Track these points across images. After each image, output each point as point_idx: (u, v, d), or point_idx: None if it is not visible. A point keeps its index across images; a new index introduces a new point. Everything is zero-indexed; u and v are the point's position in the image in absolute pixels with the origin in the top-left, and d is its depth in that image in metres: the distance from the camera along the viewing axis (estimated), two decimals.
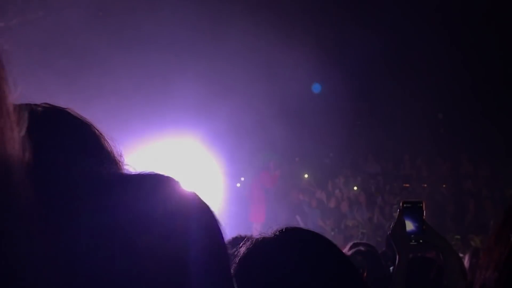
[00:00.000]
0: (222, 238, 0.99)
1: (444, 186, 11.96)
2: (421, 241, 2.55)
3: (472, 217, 10.86)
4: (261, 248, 1.34)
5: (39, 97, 1.20)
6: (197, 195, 1.00)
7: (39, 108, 1.16)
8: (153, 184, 0.97)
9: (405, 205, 2.56)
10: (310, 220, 11.91)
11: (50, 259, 0.94)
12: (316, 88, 12.82)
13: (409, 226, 2.54)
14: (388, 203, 11.82)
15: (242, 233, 4.27)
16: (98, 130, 1.19)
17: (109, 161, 1.16)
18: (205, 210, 0.99)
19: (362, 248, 3.63)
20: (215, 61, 10.58)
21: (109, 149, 1.17)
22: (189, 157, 10.22)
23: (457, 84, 12.24)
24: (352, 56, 11.94)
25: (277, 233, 1.37)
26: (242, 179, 12.96)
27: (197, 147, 10.48)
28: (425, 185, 12.08)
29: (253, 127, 11.26)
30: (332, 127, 12.49)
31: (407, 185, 12.25)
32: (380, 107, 12.99)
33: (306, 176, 13.70)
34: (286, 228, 1.39)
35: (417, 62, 12.28)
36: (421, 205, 2.55)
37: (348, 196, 12.62)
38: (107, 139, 1.18)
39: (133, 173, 1.03)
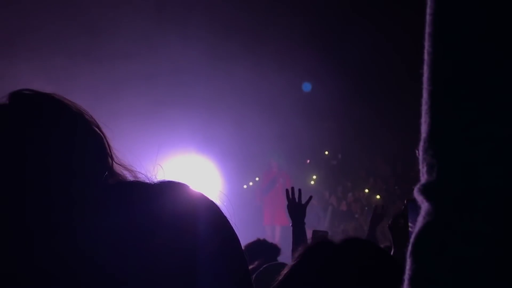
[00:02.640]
0: (233, 236, 0.99)
1: None
2: None
3: None
4: (328, 253, 1.34)
5: None
6: (206, 197, 1.01)
7: (23, 96, 1.13)
8: (163, 187, 0.99)
9: (410, 202, 2.55)
10: (322, 223, 11.88)
11: (70, 256, 0.97)
12: (306, 87, 12.60)
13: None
14: (398, 205, 11.80)
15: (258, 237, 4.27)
16: (90, 117, 1.17)
17: (103, 151, 1.15)
18: (215, 210, 1.00)
19: None
20: (219, 64, 10.64)
21: (102, 136, 1.17)
22: (195, 161, 10.26)
23: None
24: (363, 61, 11.95)
25: (345, 241, 1.38)
26: (251, 183, 12.87)
27: (204, 151, 10.52)
28: None
29: (264, 129, 11.28)
30: (340, 129, 12.49)
31: None
32: (388, 109, 12.98)
33: (314, 177, 13.66)
34: (354, 238, 1.41)
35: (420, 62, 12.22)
36: None
37: (359, 199, 12.61)
38: (99, 126, 1.18)
39: (143, 180, 1.03)
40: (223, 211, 1.01)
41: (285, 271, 1.33)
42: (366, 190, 12.79)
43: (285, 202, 3.69)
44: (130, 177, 1.16)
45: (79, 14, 9.68)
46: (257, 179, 12.81)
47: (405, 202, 2.59)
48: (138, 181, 1.05)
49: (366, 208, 12.01)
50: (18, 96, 1.12)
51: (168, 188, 0.98)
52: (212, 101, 10.74)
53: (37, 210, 1.03)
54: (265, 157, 12.08)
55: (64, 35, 9.37)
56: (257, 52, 10.50)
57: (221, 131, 10.75)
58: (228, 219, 1.01)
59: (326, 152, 13.83)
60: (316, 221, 11.97)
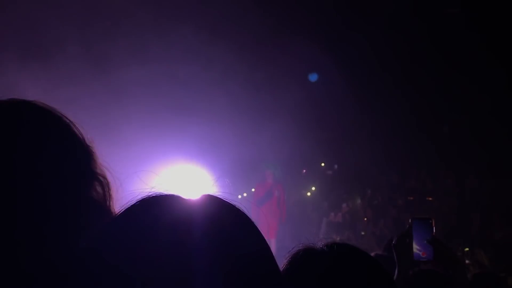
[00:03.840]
0: (236, 244, 0.91)
1: (449, 199, 11.96)
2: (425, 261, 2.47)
3: (477, 230, 10.85)
4: (312, 260, 1.35)
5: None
6: (208, 204, 0.95)
7: (4, 104, 1.15)
8: (154, 199, 0.95)
9: (415, 221, 2.46)
10: (316, 234, 11.86)
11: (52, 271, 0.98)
12: (313, 77, 12.52)
13: (417, 242, 2.45)
14: (393, 216, 11.83)
15: None
16: (68, 119, 1.18)
17: (82, 150, 1.16)
18: (215, 219, 0.92)
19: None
20: (215, 74, 10.66)
21: (81, 138, 1.17)
22: (190, 170, 10.25)
23: (462, 96, 12.24)
24: (359, 71, 12.00)
25: (327, 247, 1.38)
26: (245, 194, 12.76)
27: (198, 161, 10.52)
28: (430, 198, 12.09)
29: (261, 139, 11.28)
30: (336, 139, 12.52)
31: (412, 197, 12.27)
32: (384, 119, 13.03)
33: (313, 188, 13.67)
34: (336, 244, 1.40)
35: (421, 75, 12.32)
36: (431, 221, 2.45)
37: (354, 210, 12.63)
38: (78, 127, 1.18)
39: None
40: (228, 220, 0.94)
41: None
42: (359, 201, 12.82)
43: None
44: (112, 181, 1.17)
45: (80, 19, 9.73)
46: (252, 190, 12.66)
47: (410, 220, 2.53)
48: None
49: (365, 218, 12.03)
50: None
51: (166, 198, 0.95)
52: (209, 111, 10.75)
53: (27, 218, 1.03)
54: (260, 167, 11.95)
55: (65, 40, 9.41)
56: (253, 63, 10.55)
57: (217, 141, 10.76)
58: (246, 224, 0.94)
59: (323, 164, 13.84)
60: (311, 234, 11.96)
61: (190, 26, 10.05)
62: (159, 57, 10.21)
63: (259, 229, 0.96)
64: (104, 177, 1.16)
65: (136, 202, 0.94)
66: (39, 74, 8.61)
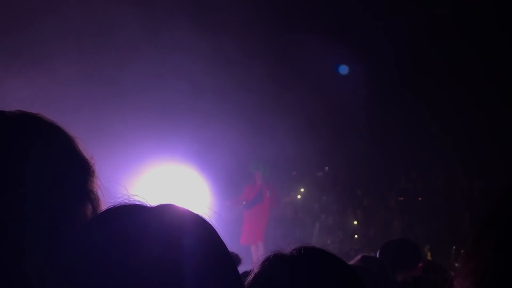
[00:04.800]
0: (221, 250, 0.97)
1: (439, 199, 12.01)
2: None
3: (468, 230, 10.89)
4: (280, 266, 1.39)
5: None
6: (192, 212, 0.99)
7: (10, 115, 1.17)
8: (145, 207, 0.98)
9: None
10: (308, 237, 11.79)
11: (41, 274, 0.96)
12: (343, 69, 12.57)
13: None
14: (384, 217, 11.85)
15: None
16: (69, 134, 1.20)
17: (81, 164, 1.18)
18: (202, 225, 0.98)
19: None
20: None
21: (81, 152, 1.19)
22: (178, 173, 10.22)
23: (451, 96, 12.31)
24: (352, 74, 12.06)
25: (295, 252, 1.41)
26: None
27: (187, 163, 10.49)
28: (421, 198, 12.14)
29: (252, 141, 11.26)
30: (325, 141, 12.55)
31: (402, 198, 12.31)
32: (374, 120, 13.07)
33: (302, 190, 13.65)
34: (305, 248, 1.42)
35: (410, 76, 12.38)
36: None
37: (345, 211, 12.64)
38: (78, 143, 1.20)
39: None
40: (212, 226, 0.99)
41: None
42: (351, 202, 12.83)
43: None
44: (102, 196, 1.17)
45: (76, 24, 9.74)
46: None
47: None
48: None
49: (356, 222, 12.02)
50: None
51: (157, 206, 0.98)
52: (200, 113, 10.74)
53: (20, 222, 1.05)
54: (249, 168, 11.76)
55: (62, 44, 9.41)
56: (248, 64, 10.55)
57: (207, 144, 10.74)
58: (218, 235, 0.99)
59: (320, 172, 13.81)
60: (303, 236, 11.92)
61: (186, 26, 10.04)
62: (155, 57, 10.19)
63: (221, 237, 0.99)
64: (96, 194, 1.17)
65: (97, 216, 0.98)
66: (33, 77, 8.61)
